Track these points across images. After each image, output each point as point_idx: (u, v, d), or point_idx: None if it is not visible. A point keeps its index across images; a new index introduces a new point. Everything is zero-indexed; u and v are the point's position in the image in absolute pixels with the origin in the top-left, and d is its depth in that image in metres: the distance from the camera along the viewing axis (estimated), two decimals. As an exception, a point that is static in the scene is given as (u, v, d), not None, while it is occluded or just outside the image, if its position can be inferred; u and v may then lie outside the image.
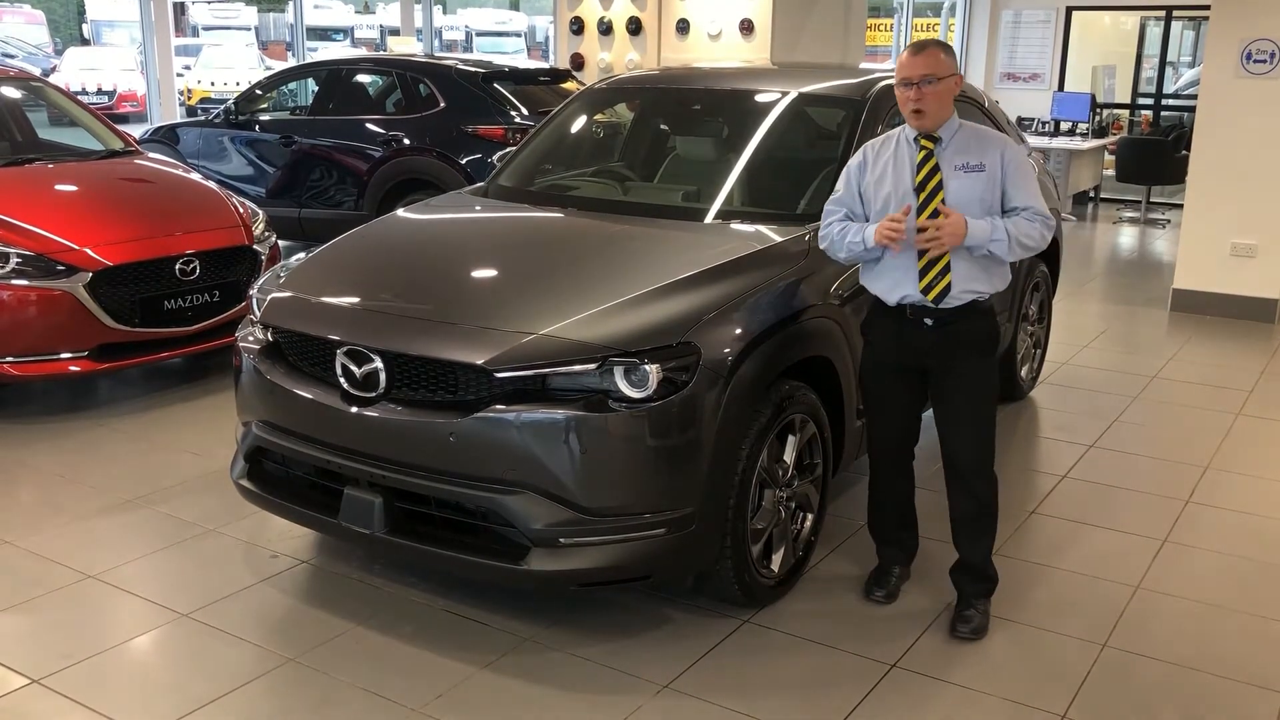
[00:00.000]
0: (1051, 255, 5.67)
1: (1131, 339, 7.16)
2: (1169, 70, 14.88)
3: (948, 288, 3.28)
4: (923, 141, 3.32)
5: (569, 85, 8.44)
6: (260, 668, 3.23)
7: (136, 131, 8.69)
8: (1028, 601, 3.66)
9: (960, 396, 3.41)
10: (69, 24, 32.43)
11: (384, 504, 3.29)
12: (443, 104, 7.88)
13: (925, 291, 3.30)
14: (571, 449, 3.08)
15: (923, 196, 3.28)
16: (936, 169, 3.29)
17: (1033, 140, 10.71)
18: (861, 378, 3.65)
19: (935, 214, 3.24)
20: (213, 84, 21.64)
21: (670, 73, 5.44)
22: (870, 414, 3.62)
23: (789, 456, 3.55)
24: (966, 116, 3.46)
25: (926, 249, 3.25)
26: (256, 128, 8.62)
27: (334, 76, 8.82)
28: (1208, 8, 7.48)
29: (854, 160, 3.49)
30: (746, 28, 9.80)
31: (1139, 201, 11.75)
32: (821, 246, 3.49)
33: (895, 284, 3.36)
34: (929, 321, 3.36)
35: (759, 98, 4.60)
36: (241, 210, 5.94)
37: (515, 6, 37.78)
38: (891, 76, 4.59)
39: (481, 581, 3.55)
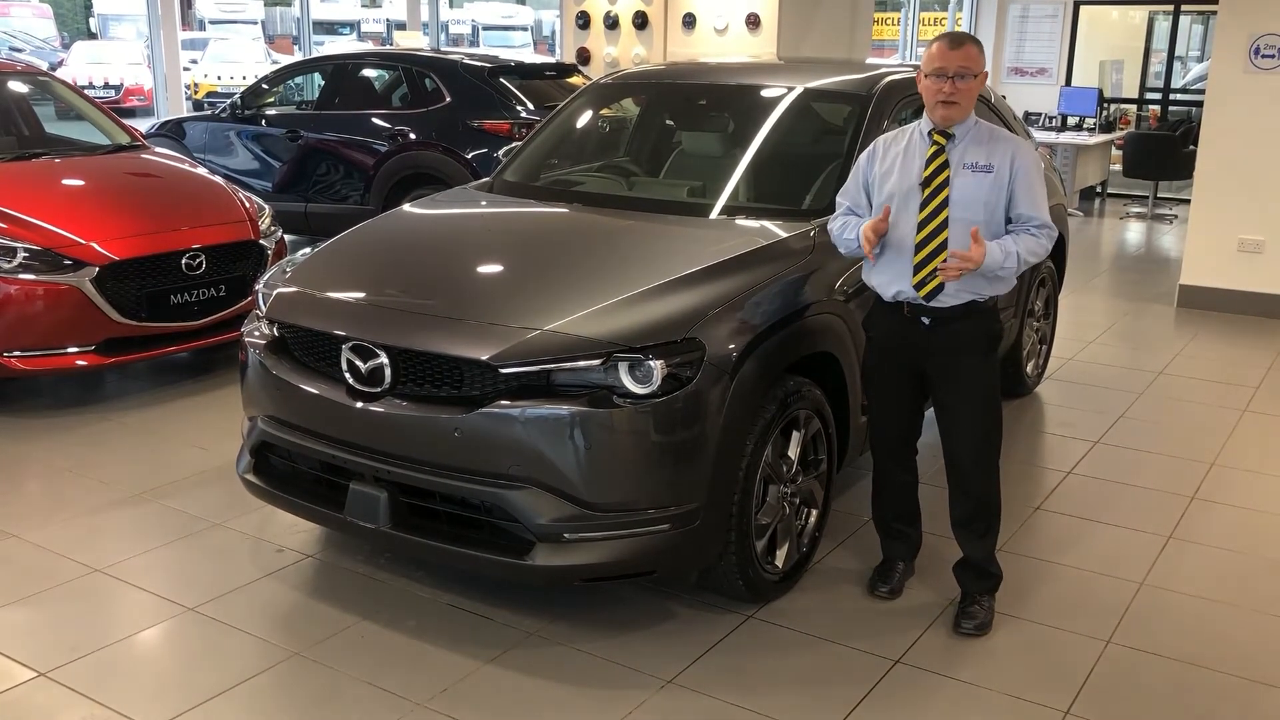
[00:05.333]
0: (1058, 251, 5.66)
1: (1138, 335, 7.15)
2: (1177, 65, 14.82)
3: (941, 285, 3.28)
4: (935, 137, 3.31)
5: (575, 80, 8.44)
6: (265, 661, 3.25)
7: (143, 126, 8.71)
8: (1032, 598, 3.66)
9: (958, 396, 3.40)
10: (76, 18, 32.48)
11: (389, 499, 3.30)
12: (449, 99, 7.88)
13: (918, 288, 3.30)
14: (576, 444, 3.09)
15: (927, 192, 3.28)
16: (946, 165, 3.28)
17: (1039, 135, 10.69)
18: (863, 374, 3.66)
19: (943, 219, 3.25)
20: (219, 78, 21.67)
21: (676, 68, 5.44)
22: (872, 410, 3.62)
23: (793, 452, 3.55)
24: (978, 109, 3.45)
25: (924, 246, 3.26)
26: (263, 122, 8.63)
27: (340, 71, 8.83)
28: (1216, 2, 7.45)
29: (865, 152, 3.49)
30: (753, 22, 9.79)
31: (1146, 197, 11.72)
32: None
33: (891, 280, 3.36)
34: (926, 320, 3.35)
35: (765, 93, 4.60)
36: (248, 205, 5.94)
37: (521, 1, 37.74)
38: (898, 71, 4.62)
39: (486, 576, 3.56)
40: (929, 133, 3.33)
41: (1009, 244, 3.24)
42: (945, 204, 3.25)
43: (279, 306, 3.65)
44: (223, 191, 6.03)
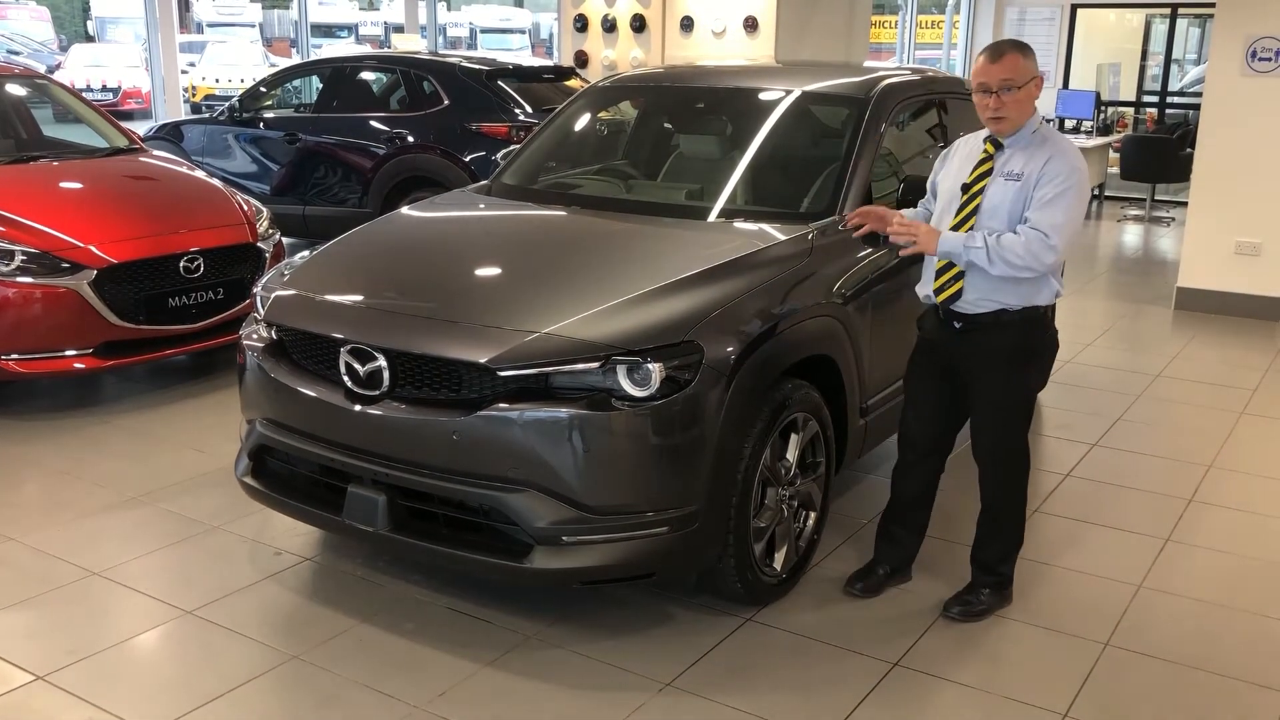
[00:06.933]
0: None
1: (1135, 337, 7.16)
2: (1174, 68, 14.86)
3: (959, 293, 3.30)
4: (986, 145, 3.34)
5: (573, 83, 8.44)
6: (264, 665, 3.24)
7: (141, 129, 8.71)
8: (1030, 600, 3.66)
9: (980, 403, 3.42)
10: (74, 20, 32.48)
11: (387, 502, 3.30)
12: (447, 101, 7.88)
13: (937, 293, 3.33)
14: (574, 447, 3.09)
15: (964, 198, 3.33)
16: (988, 174, 3.31)
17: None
18: (906, 368, 3.65)
19: (970, 227, 3.28)
20: (217, 81, 21.68)
21: (674, 71, 5.44)
22: (904, 407, 3.64)
23: (792, 455, 3.55)
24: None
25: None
26: (261, 125, 8.63)
27: (338, 74, 8.83)
28: (1213, 5, 7.46)
29: (943, 152, 3.56)
30: (751, 25, 9.80)
31: (1143, 199, 11.73)
32: None
33: (923, 282, 3.44)
34: (957, 324, 3.37)
35: (763, 96, 4.60)
36: (246, 208, 5.95)
37: (519, 3, 37.77)
38: (896, 74, 4.63)
39: (484, 579, 3.56)
40: (985, 140, 3.36)
41: (980, 236, 3.22)
42: (975, 211, 3.28)
43: (277, 309, 3.65)
44: (221, 194, 6.03)
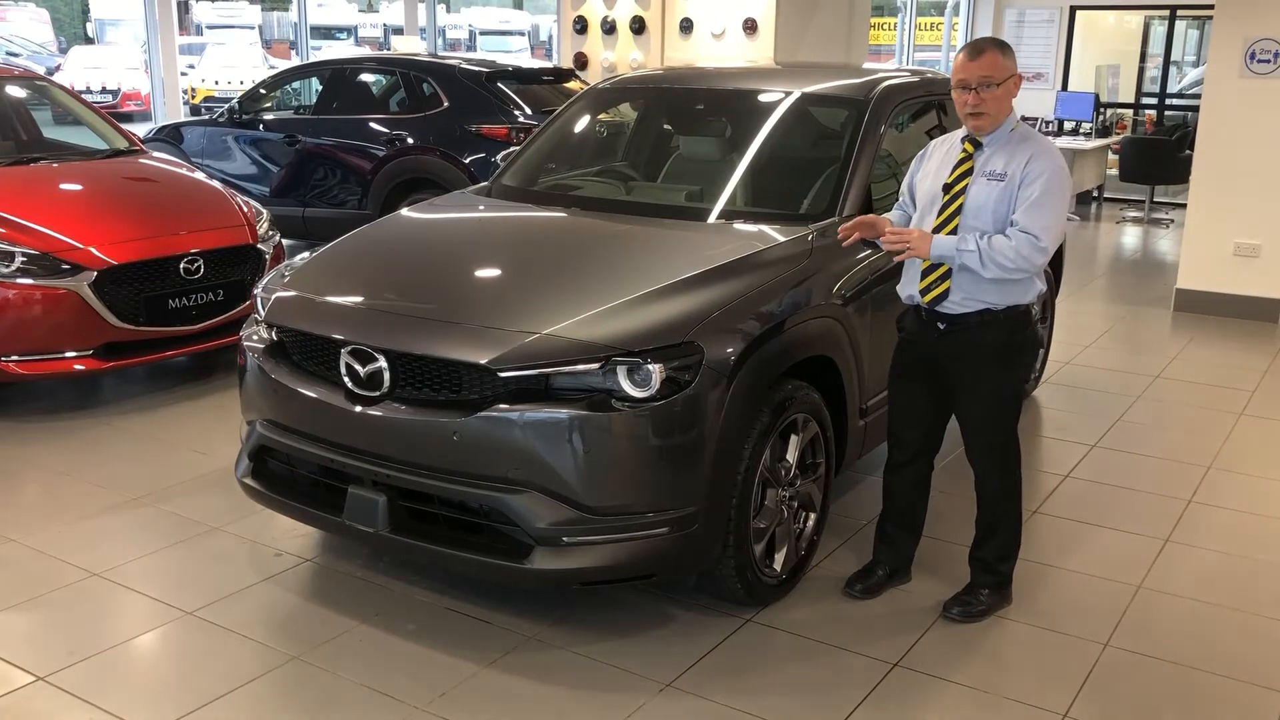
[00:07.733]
0: (1054, 255, 5.66)
1: (1134, 339, 7.16)
2: (1173, 69, 14.87)
3: (945, 293, 3.30)
4: (965, 145, 3.34)
5: (572, 85, 8.45)
6: (264, 666, 3.25)
7: (141, 130, 8.71)
8: (1030, 601, 3.66)
9: (969, 403, 3.42)
10: (73, 22, 32.47)
11: (388, 503, 3.30)
12: (446, 103, 7.89)
13: (923, 294, 3.33)
14: (575, 448, 3.09)
15: (945, 198, 3.31)
16: (969, 173, 3.31)
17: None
18: (890, 370, 3.66)
19: (954, 227, 3.27)
20: (217, 83, 21.67)
21: (674, 72, 5.45)
22: (890, 408, 3.64)
23: (791, 456, 3.56)
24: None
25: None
26: (260, 127, 8.64)
27: (338, 76, 8.84)
28: (1212, 7, 7.48)
29: (919, 153, 3.56)
30: (750, 27, 9.82)
31: (1142, 201, 11.74)
32: None
33: (907, 283, 3.43)
34: (941, 325, 3.37)
35: (762, 98, 4.61)
36: (246, 209, 5.95)
37: (519, 5, 37.78)
38: (895, 76, 4.64)
39: (485, 580, 3.56)
40: (963, 140, 3.36)
41: (971, 239, 3.22)
42: (958, 212, 3.27)
43: (278, 311, 3.65)
44: (220, 196, 6.03)
